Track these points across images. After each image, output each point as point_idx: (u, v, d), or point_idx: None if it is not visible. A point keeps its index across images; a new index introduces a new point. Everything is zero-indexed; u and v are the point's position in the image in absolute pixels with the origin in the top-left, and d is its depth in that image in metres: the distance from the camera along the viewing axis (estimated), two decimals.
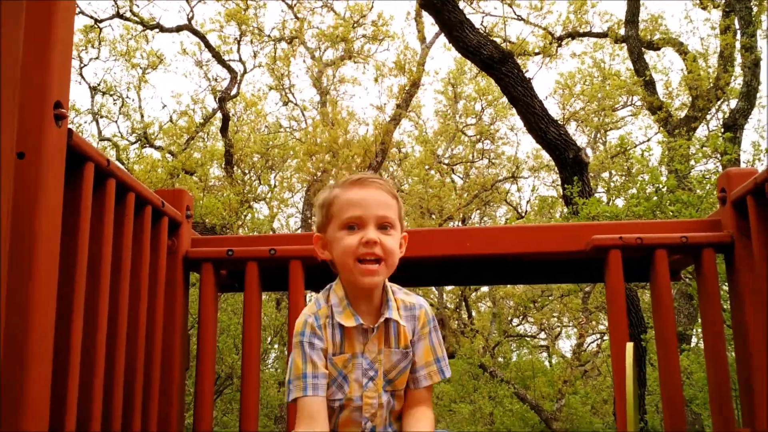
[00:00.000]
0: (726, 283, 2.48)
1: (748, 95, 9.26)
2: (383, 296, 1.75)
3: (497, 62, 7.34)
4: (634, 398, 1.87)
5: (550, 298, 13.75)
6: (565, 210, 7.83)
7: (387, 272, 1.70)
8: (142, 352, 2.12)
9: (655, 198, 5.72)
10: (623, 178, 11.89)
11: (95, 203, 1.83)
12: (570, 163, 7.22)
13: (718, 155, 7.72)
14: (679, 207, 5.52)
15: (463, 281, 6.46)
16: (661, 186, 5.86)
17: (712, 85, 10.12)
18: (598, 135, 15.06)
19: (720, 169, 8.60)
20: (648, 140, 13.45)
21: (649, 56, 11.92)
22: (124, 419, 1.97)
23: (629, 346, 1.98)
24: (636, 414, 1.87)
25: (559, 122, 7.70)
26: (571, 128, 14.12)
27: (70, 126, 1.67)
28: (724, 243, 2.33)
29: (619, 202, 7.67)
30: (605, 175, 13.97)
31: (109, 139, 13.70)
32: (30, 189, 1.47)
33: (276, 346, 12.04)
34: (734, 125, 9.17)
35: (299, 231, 13.12)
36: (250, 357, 2.42)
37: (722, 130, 9.36)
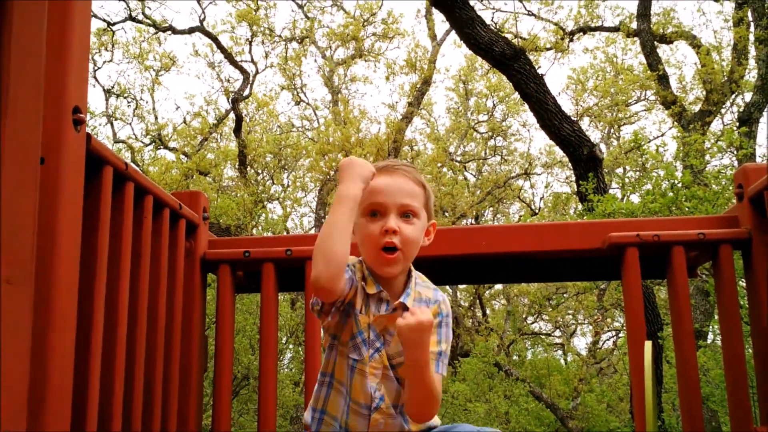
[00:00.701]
0: (743, 280, 2.46)
1: (763, 88, 9.18)
2: (406, 282, 1.73)
3: (509, 59, 7.31)
4: (653, 397, 1.86)
5: (565, 295, 13.69)
6: (579, 206, 7.80)
7: (405, 262, 1.69)
8: (161, 354, 2.14)
9: (671, 194, 5.69)
10: (637, 173, 11.82)
11: (114, 207, 1.85)
12: (584, 160, 7.19)
13: (734, 150, 7.67)
14: (695, 203, 5.48)
15: (478, 280, 6.44)
16: (676, 182, 5.82)
17: (726, 78, 10.04)
18: (612, 130, 14.98)
19: (736, 163, 8.53)
20: (662, 135, 13.36)
21: (662, 50, 11.85)
22: (143, 420, 1.99)
23: (648, 345, 1.97)
24: (655, 414, 1.86)
25: (572, 118, 7.67)
26: (584, 124, 14.05)
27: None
28: (742, 239, 2.31)
29: (634, 198, 7.63)
30: (619, 170, 13.91)
31: (123, 141, 13.80)
32: (50, 194, 1.49)
33: (291, 346, 12.06)
34: (749, 119, 9.09)
35: (313, 230, 13.14)
36: (268, 358, 2.43)
37: (737, 124, 9.29)
